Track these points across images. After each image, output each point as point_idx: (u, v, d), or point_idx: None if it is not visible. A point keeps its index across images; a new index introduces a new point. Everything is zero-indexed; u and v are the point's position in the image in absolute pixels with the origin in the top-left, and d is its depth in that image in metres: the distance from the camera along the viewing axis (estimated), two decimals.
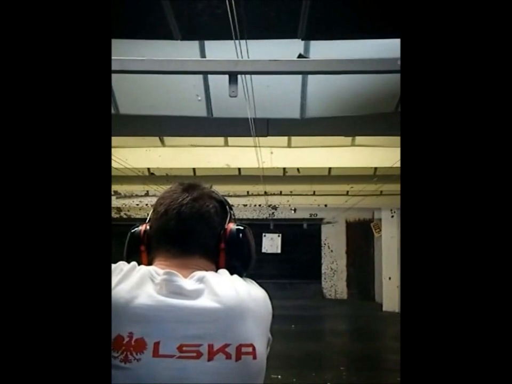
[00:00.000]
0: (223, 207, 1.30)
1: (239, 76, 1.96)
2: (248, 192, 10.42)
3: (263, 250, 13.47)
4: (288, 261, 15.01)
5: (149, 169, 7.44)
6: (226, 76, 1.86)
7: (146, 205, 10.83)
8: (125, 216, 12.94)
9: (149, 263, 1.24)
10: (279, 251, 13.76)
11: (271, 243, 13.75)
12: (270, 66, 1.86)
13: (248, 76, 3.15)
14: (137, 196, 10.56)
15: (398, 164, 5.82)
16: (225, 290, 1.14)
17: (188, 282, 1.15)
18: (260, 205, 12.35)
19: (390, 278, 12.87)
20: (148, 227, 1.29)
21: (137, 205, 11.18)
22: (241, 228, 1.29)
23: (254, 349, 1.11)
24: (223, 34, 2.74)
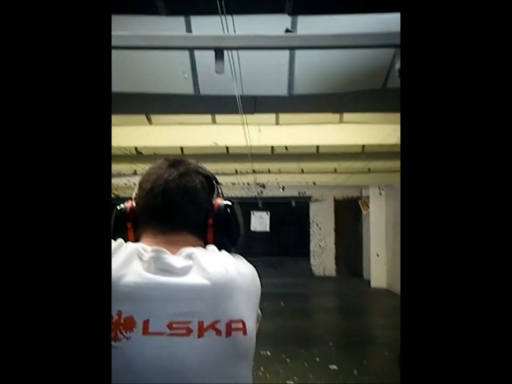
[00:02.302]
0: (210, 182, 1.29)
1: (225, 53, 1.93)
2: (236, 170, 10.38)
3: (252, 228, 13.49)
4: (276, 238, 15.07)
5: (136, 148, 7.39)
6: (213, 53, 1.83)
7: (134, 184, 10.71)
8: (112, 196, 12.88)
9: (136, 240, 1.23)
10: (267, 229, 13.80)
11: (260, 221, 13.77)
12: (256, 42, 1.84)
13: (235, 53, 3.11)
14: (124, 175, 10.48)
15: (386, 141, 5.83)
16: (214, 267, 1.13)
17: (176, 259, 1.14)
18: (248, 183, 12.33)
19: (378, 255, 12.99)
20: (134, 204, 1.27)
21: (125, 184, 11.11)
22: (229, 203, 1.28)
23: (244, 324, 1.11)
24: (208, 9, 2.69)
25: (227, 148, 7.67)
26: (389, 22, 3.07)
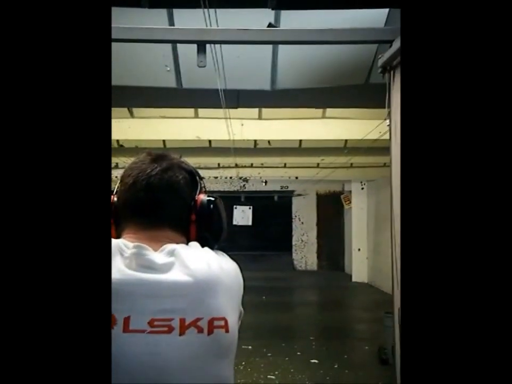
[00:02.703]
0: (193, 177, 1.28)
1: (208, 47, 1.91)
2: (219, 164, 10.36)
3: (234, 222, 13.47)
4: (259, 233, 15.09)
5: (118, 141, 7.32)
6: (196, 46, 1.81)
7: (116, 177, 10.62)
8: None
9: (118, 236, 1.21)
10: (250, 223, 13.79)
11: (242, 215, 13.76)
12: (239, 36, 1.82)
13: (218, 47, 3.09)
14: None
15: (369, 136, 5.85)
16: (196, 264, 1.12)
17: (158, 255, 1.13)
18: (231, 177, 12.32)
19: (359, 249, 13.07)
20: (115, 199, 1.25)
21: None
22: (212, 199, 1.27)
23: (226, 322, 1.11)
24: (191, 2, 2.67)
25: (210, 141, 7.64)
26: (373, 17, 3.08)
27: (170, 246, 1.15)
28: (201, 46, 1.75)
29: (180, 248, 1.15)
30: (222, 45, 3.00)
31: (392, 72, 2.08)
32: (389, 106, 2.20)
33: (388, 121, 2.32)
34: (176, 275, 1.10)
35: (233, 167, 10.26)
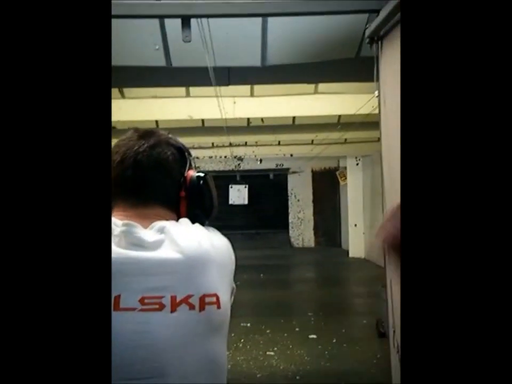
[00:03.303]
0: (181, 153, 1.26)
1: (196, 24, 1.87)
2: (213, 143, 10.30)
3: (230, 202, 13.46)
4: (255, 211, 15.11)
5: None
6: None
7: None
8: None
9: None
10: (246, 202, 13.78)
11: (238, 194, 13.74)
12: (224, 9, 1.79)
13: (205, 23, 3.04)
14: None
15: (361, 111, 5.80)
16: (186, 240, 1.11)
17: (148, 233, 1.12)
18: (225, 157, 12.27)
19: (355, 225, 13.11)
20: None
21: None
22: (202, 174, 1.26)
23: (217, 298, 1.10)
24: None
25: (202, 121, 7.59)
26: None
27: (160, 223, 1.14)
28: (186, 20, 1.72)
29: (170, 225, 1.14)
30: (210, 22, 2.95)
31: (379, 43, 2.04)
32: (378, 78, 2.17)
33: (376, 92, 2.29)
34: (166, 252, 1.09)
35: (227, 146, 10.21)
